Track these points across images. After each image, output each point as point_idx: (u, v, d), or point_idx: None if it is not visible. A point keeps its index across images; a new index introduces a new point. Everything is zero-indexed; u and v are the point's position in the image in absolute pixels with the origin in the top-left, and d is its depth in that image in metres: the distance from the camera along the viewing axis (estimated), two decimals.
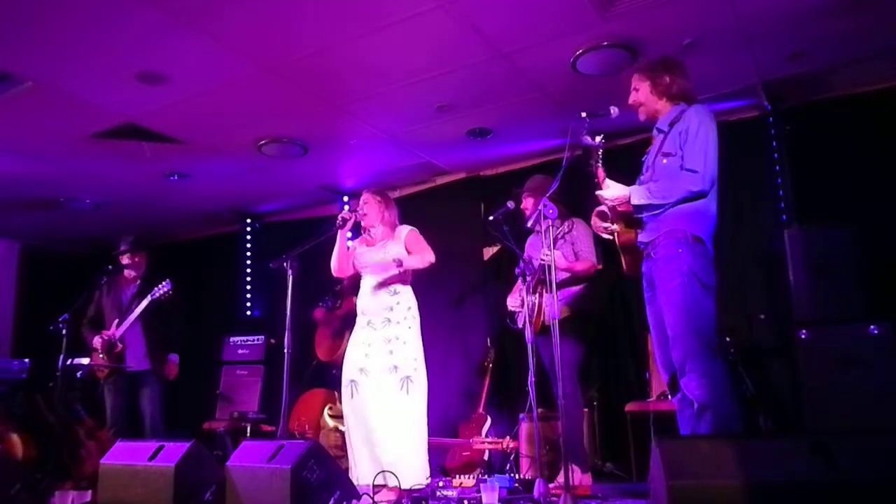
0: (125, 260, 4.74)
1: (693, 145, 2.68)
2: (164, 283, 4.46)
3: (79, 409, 4.64)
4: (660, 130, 2.87)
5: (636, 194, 2.73)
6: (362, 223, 3.84)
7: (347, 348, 3.77)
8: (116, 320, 4.55)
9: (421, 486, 3.42)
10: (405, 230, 3.80)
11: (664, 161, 2.76)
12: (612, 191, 2.77)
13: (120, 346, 4.49)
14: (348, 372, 3.67)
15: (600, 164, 2.78)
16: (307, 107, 4.41)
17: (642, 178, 2.91)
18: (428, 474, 3.55)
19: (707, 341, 2.60)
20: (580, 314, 3.76)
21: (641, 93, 2.91)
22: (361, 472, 3.47)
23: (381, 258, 3.72)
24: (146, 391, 4.52)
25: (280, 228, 6.63)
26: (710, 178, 2.67)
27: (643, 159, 3.00)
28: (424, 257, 3.67)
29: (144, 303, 4.43)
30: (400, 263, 3.55)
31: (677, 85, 2.86)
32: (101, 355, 4.52)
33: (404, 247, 3.72)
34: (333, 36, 3.58)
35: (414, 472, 3.43)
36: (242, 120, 4.58)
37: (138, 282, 4.72)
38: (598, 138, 2.77)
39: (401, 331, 3.64)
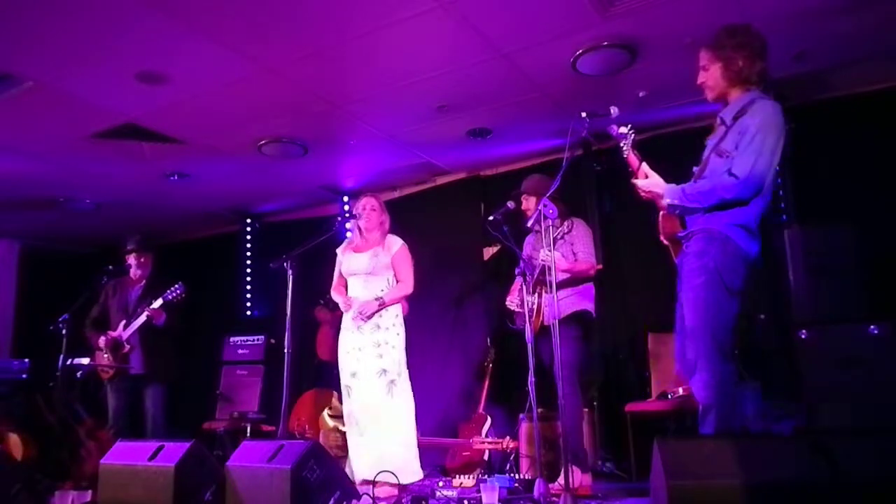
0: (131, 260, 4.70)
1: (746, 149, 2.51)
2: (176, 285, 4.41)
3: (79, 409, 4.64)
4: (723, 121, 2.67)
5: (670, 194, 2.62)
6: (360, 226, 3.89)
7: (339, 353, 3.83)
8: (123, 321, 4.53)
9: (417, 483, 3.48)
10: (396, 244, 3.88)
11: (718, 159, 2.61)
12: (646, 182, 2.68)
13: (127, 346, 4.47)
14: (343, 377, 3.79)
15: (632, 152, 2.70)
16: (307, 107, 4.41)
17: (695, 170, 2.76)
18: (419, 471, 3.66)
19: (721, 344, 2.52)
20: (580, 315, 3.76)
21: (711, 75, 2.70)
22: (357, 470, 3.59)
23: (371, 264, 3.81)
24: (149, 392, 4.49)
25: (280, 228, 6.63)
26: (753, 185, 2.50)
27: (707, 141, 2.77)
28: (403, 290, 3.81)
29: (156, 305, 4.39)
30: (383, 304, 3.74)
31: (752, 68, 2.61)
32: (105, 355, 4.50)
33: (391, 261, 3.83)
34: (333, 36, 3.58)
35: (407, 469, 3.53)
36: (242, 120, 4.58)
37: (143, 282, 4.70)
38: (623, 128, 2.70)
39: (389, 336, 3.74)
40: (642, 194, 2.73)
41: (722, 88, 2.70)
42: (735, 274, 2.54)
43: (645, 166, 2.74)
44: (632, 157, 2.72)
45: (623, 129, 2.72)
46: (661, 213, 2.77)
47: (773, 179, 2.59)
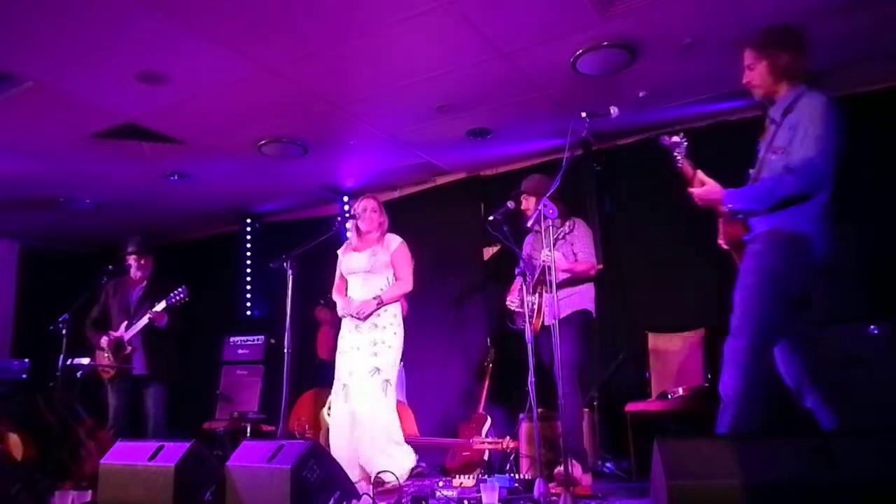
0: (131, 261, 4.68)
1: (801, 142, 2.46)
2: (180, 289, 4.40)
3: (79, 409, 4.63)
4: (772, 120, 2.64)
5: (730, 199, 2.56)
6: (359, 227, 3.91)
7: (337, 352, 3.84)
8: (125, 322, 4.51)
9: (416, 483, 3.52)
10: (395, 242, 3.91)
11: (773, 157, 2.57)
12: (702, 190, 2.62)
13: (129, 348, 4.46)
14: (341, 375, 3.79)
15: (686, 161, 2.65)
16: (307, 107, 4.41)
17: (751, 172, 2.72)
18: (405, 468, 3.67)
19: (758, 346, 2.46)
20: (580, 314, 3.76)
21: (757, 74, 2.67)
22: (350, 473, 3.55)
23: (369, 263, 3.83)
24: (150, 392, 4.47)
25: (280, 228, 6.63)
26: (813, 178, 2.44)
27: (757, 147, 2.73)
28: (402, 287, 3.83)
29: (159, 307, 4.37)
30: (381, 302, 3.75)
31: (798, 63, 2.60)
32: (106, 355, 4.49)
33: (390, 259, 3.85)
34: (333, 36, 3.58)
35: (399, 467, 3.55)
36: (242, 120, 4.58)
37: (144, 283, 4.68)
38: (675, 137, 2.66)
39: (386, 335, 3.75)
40: (699, 202, 2.66)
41: (769, 85, 2.67)
42: (792, 277, 2.48)
43: (700, 174, 2.66)
44: (686, 167, 2.65)
45: (676, 138, 2.65)
46: (721, 219, 2.71)
47: (833, 170, 2.50)
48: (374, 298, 3.74)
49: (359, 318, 3.73)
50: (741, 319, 2.50)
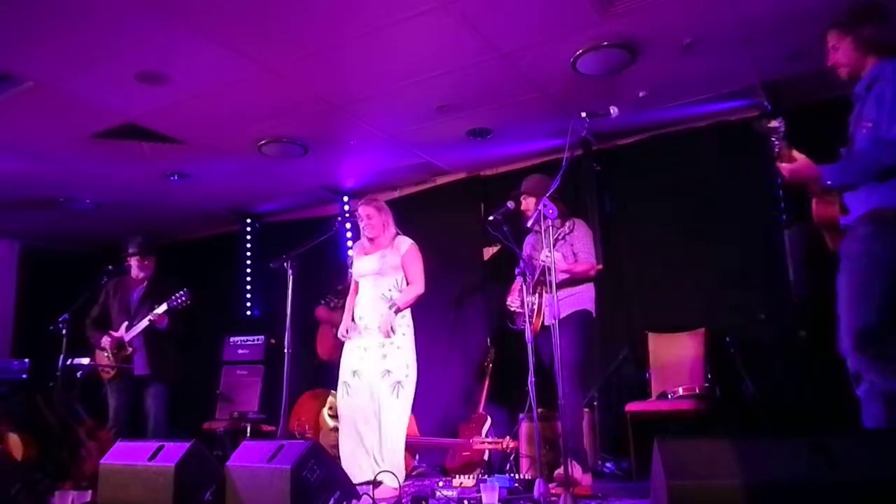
0: (133, 262, 4.64)
1: (888, 112, 2.40)
2: (181, 292, 4.37)
3: (79, 409, 4.63)
4: (857, 96, 2.60)
5: (829, 174, 2.46)
6: (366, 235, 3.88)
7: (343, 351, 3.82)
8: (126, 322, 4.49)
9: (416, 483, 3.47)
10: (405, 244, 3.86)
11: (862, 132, 2.51)
12: (791, 165, 2.53)
13: (130, 348, 4.44)
14: (343, 374, 3.78)
15: (784, 145, 2.57)
16: (307, 107, 4.41)
17: (842, 151, 2.67)
18: (404, 472, 3.65)
19: (874, 329, 2.34)
20: (580, 315, 3.76)
21: (843, 53, 2.64)
22: (347, 468, 3.53)
23: (379, 265, 3.79)
24: (151, 392, 4.44)
25: (280, 228, 6.63)
26: None
27: (849, 122, 2.68)
28: (415, 290, 3.79)
29: (160, 310, 4.35)
30: (398, 309, 3.71)
31: (883, 35, 2.55)
32: (107, 355, 4.48)
33: (401, 261, 3.80)
34: (333, 36, 3.58)
35: (398, 470, 3.52)
36: (242, 120, 4.58)
37: (145, 283, 4.66)
38: (774, 122, 2.59)
39: (395, 337, 3.71)
40: (789, 178, 2.57)
41: (855, 62, 2.63)
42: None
43: (796, 153, 2.59)
44: (784, 150, 2.59)
45: (774, 123, 2.60)
46: (814, 199, 2.64)
47: None
48: (390, 307, 3.68)
49: (388, 336, 3.67)
50: (847, 310, 2.39)
